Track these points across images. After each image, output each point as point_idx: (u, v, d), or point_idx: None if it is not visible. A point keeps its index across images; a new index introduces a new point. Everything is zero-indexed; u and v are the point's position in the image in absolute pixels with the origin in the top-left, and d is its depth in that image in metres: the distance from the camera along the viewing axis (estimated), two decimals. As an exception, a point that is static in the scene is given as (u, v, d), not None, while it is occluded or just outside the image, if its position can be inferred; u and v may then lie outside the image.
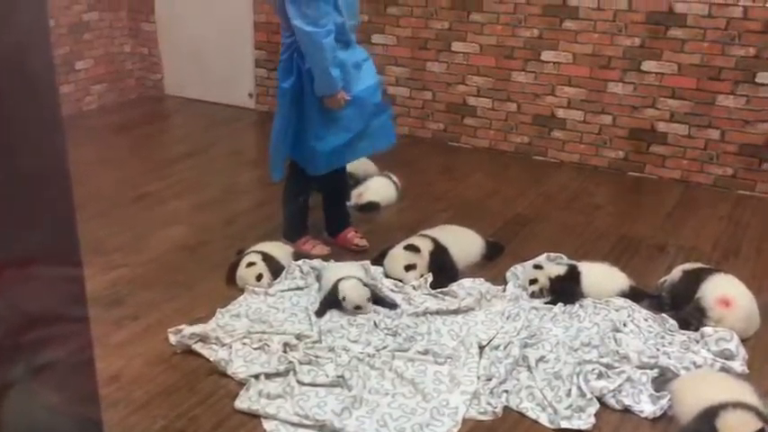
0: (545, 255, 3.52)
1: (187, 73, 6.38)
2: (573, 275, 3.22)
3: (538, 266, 3.28)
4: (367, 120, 3.39)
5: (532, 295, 3.20)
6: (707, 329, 2.86)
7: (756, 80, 4.23)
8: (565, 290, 3.18)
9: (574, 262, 3.34)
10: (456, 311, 3.07)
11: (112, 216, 4.03)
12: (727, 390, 2.36)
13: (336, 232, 3.73)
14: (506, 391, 2.59)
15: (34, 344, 1.45)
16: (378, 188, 4.26)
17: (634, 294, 3.18)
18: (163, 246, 3.68)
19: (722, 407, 2.24)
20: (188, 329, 2.82)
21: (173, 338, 2.82)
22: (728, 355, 2.74)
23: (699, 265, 3.23)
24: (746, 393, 2.36)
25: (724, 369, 2.67)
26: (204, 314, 3.02)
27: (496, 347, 2.83)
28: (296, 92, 3.26)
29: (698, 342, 2.84)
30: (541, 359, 2.76)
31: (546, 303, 3.16)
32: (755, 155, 4.36)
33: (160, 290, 3.25)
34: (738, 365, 2.70)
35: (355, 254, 3.57)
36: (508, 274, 3.40)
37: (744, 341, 2.85)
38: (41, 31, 1.35)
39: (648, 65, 4.50)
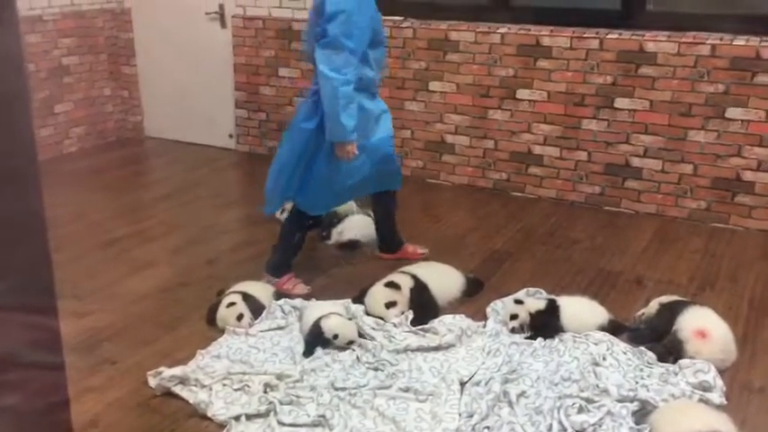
0: (524, 290, 3.55)
1: (167, 115, 6.43)
2: (552, 310, 3.25)
3: (518, 301, 3.31)
4: (375, 166, 3.58)
5: (513, 330, 3.22)
6: (684, 361, 2.89)
7: (726, 115, 4.34)
8: (545, 324, 3.21)
9: (553, 296, 3.37)
10: (437, 348, 3.08)
11: (91, 259, 4.01)
12: (705, 420, 2.38)
13: (395, 249, 3.99)
14: (488, 428, 2.59)
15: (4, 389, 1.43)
16: (358, 226, 4.28)
17: (613, 328, 3.20)
18: (142, 288, 3.67)
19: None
20: (167, 372, 2.81)
21: (152, 381, 2.80)
22: (706, 387, 2.76)
23: (675, 297, 3.27)
24: (723, 423, 2.38)
25: (702, 400, 2.69)
26: (184, 356, 3.00)
27: (477, 383, 2.84)
28: (316, 133, 3.40)
29: (676, 374, 2.86)
30: (522, 394, 2.77)
31: (526, 338, 3.18)
32: (728, 188, 4.45)
33: (139, 333, 3.23)
34: (716, 396, 2.72)
35: (336, 293, 3.57)
36: (488, 310, 3.42)
37: (721, 372, 2.88)
38: (18, 78, 1.38)
39: (622, 102, 4.61)
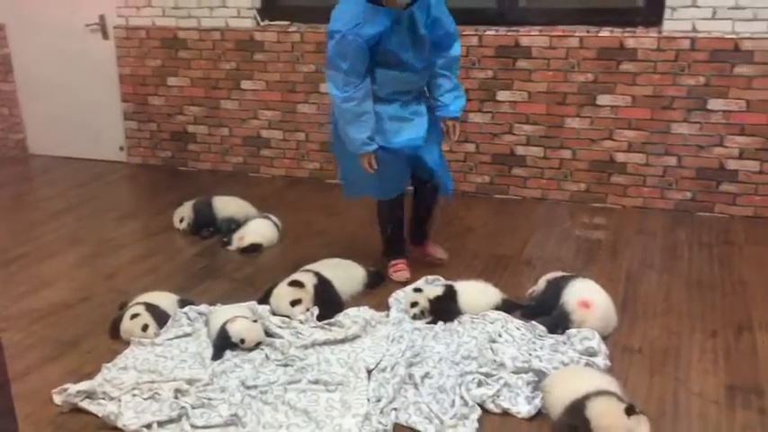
0: (423, 278, 3.71)
1: (52, 131, 6.24)
2: (450, 295, 3.42)
3: (417, 290, 3.47)
4: (407, 164, 3.66)
5: (414, 317, 3.37)
6: (572, 331, 3.13)
7: (597, 102, 4.67)
8: (444, 309, 3.38)
9: (450, 282, 3.54)
10: (343, 340, 3.19)
11: (-17, 282, 3.88)
12: (591, 382, 2.60)
13: (417, 242, 4.02)
14: (395, 409, 2.72)
15: None
16: (259, 230, 4.33)
17: (506, 306, 3.41)
18: (43, 306, 3.59)
19: (587, 397, 2.47)
20: (73, 387, 2.78)
21: (57, 398, 2.76)
22: (592, 352, 3.00)
23: (560, 273, 3.51)
24: (608, 383, 2.61)
25: (589, 365, 2.92)
26: (90, 371, 2.97)
27: (383, 370, 2.96)
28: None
29: (565, 343, 3.09)
30: (426, 375, 2.92)
31: (427, 323, 3.34)
32: (603, 170, 4.78)
33: (41, 351, 3.16)
34: (601, 360, 2.97)
35: (241, 296, 3.61)
36: (390, 300, 3.56)
37: (604, 338, 3.13)
38: None
39: (503, 95, 4.86)
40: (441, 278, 3.71)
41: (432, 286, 3.54)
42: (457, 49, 3.59)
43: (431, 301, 3.40)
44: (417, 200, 3.95)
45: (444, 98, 3.60)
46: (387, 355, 3.07)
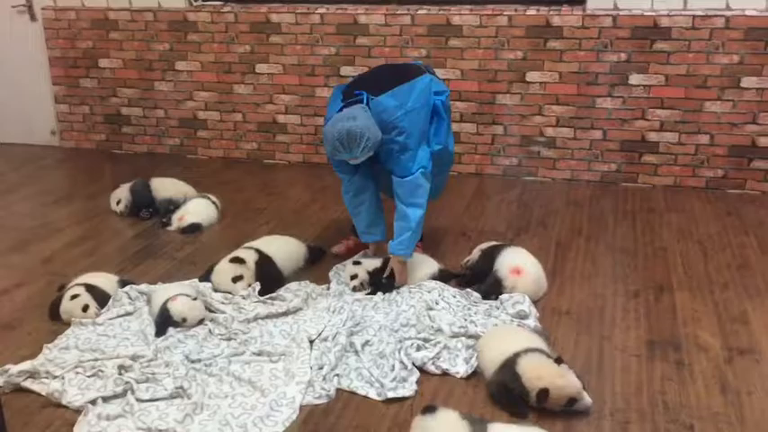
0: (362, 252, 3.81)
1: (-21, 115, 6.06)
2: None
3: (357, 263, 3.56)
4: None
5: (354, 289, 3.47)
6: (504, 296, 3.29)
7: (527, 79, 4.83)
8: (382, 280, 3.48)
9: (388, 255, 3.65)
10: (285, 313, 3.27)
11: None
12: (518, 341, 2.75)
13: None
14: (338, 375, 2.82)
15: None
16: (198, 209, 4.35)
17: (443, 276, 3.54)
18: (-25, 293, 3.54)
19: (517, 355, 2.63)
20: (15, 368, 2.78)
21: (-1, 380, 2.76)
22: (523, 315, 3.16)
23: (493, 242, 3.66)
24: (535, 341, 2.77)
25: (520, 326, 3.08)
26: (30, 353, 2.97)
27: (325, 339, 3.06)
28: None
29: (498, 308, 3.24)
30: (366, 343, 3.02)
31: (367, 295, 3.44)
32: (532, 144, 4.96)
33: (-22, 336, 3.14)
34: (531, 322, 3.12)
35: (183, 275, 3.64)
36: (331, 274, 3.65)
37: (535, 302, 3.30)
38: None
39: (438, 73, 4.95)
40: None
41: (370, 259, 3.64)
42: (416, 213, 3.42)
43: (370, 273, 3.50)
44: None
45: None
46: (328, 326, 3.16)
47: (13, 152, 5.87)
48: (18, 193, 4.97)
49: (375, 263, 3.55)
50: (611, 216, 4.38)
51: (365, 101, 3.27)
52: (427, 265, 3.60)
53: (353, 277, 3.50)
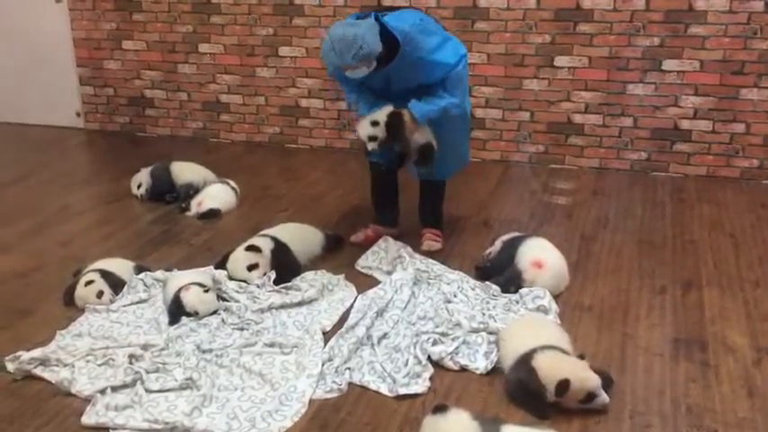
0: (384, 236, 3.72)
1: (5, 97, 6.09)
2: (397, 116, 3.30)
3: (374, 123, 3.30)
4: None
5: (371, 148, 3.32)
6: (524, 290, 3.19)
7: (555, 64, 4.68)
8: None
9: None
10: (300, 303, 3.21)
11: (-66, 252, 3.82)
12: (540, 335, 2.66)
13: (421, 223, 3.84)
14: (350, 369, 2.76)
15: None
16: (217, 195, 4.31)
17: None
18: (-6, 275, 3.55)
19: (534, 350, 2.54)
20: (26, 355, 2.76)
21: (10, 366, 2.75)
22: (543, 311, 3.06)
23: (515, 233, 3.56)
24: (557, 339, 2.67)
25: (545, 319, 2.98)
26: (44, 339, 2.95)
27: (345, 330, 2.98)
28: None
29: (517, 302, 3.15)
30: (384, 336, 2.96)
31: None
32: (561, 131, 4.82)
33: (-6, 320, 3.14)
34: (552, 318, 3.03)
35: (199, 261, 3.61)
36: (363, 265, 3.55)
37: (556, 296, 3.20)
38: None
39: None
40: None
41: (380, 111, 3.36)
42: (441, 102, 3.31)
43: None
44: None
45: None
46: (353, 314, 3.09)
47: (37, 133, 5.90)
48: (41, 175, 4.98)
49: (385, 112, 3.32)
50: (639, 207, 4.25)
51: (374, 17, 3.18)
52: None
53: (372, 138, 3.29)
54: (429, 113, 3.31)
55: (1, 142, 5.84)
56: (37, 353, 2.79)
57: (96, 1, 5.59)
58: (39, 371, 2.74)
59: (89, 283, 3.23)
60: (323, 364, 2.76)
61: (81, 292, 3.22)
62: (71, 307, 3.22)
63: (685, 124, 4.59)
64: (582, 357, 2.56)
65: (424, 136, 3.41)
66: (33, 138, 5.81)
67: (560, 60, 4.68)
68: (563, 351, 2.59)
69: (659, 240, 3.80)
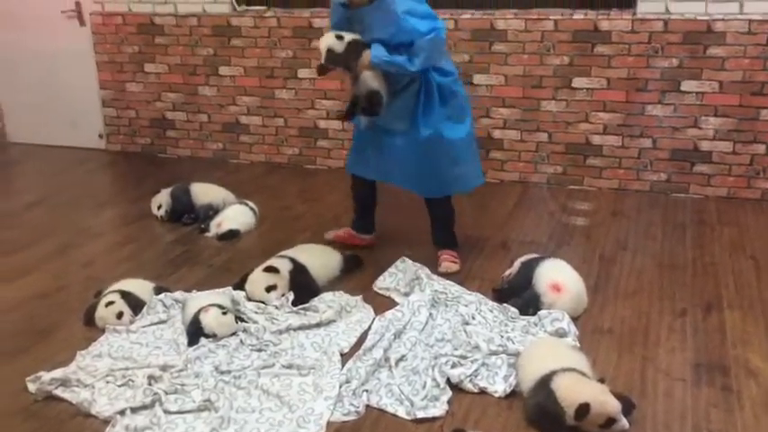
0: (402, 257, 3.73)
1: (31, 118, 6.21)
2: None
3: (339, 37, 3.39)
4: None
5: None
6: (542, 312, 3.17)
7: (572, 85, 4.69)
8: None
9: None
10: (318, 325, 3.22)
11: (-41, 272, 3.88)
12: (559, 358, 2.64)
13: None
14: (367, 391, 2.76)
15: None
16: (236, 216, 4.34)
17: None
18: (17, 296, 3.59)
19: (554, 372, 2.52)
20: (47, 375, 2.79)
21: (32, 387, 2.78)
22: (562, 333, 3.05)
23: (533, 255, 3.54)
24: (576, 362, 2.65)
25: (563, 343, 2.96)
26: (64, 359, 2.98)
27: (369, 350, 2.99)
28: None
29: (536, 325, 3.13)
30: (402, 358, 2.95)
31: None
32: (579, 152, 4.81)
33: (16, 341, 3.17)
34: (571, 341, 3.01)
35: (218, 282, 3.63)
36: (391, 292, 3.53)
37: (575, 318, 3.18)
38: None
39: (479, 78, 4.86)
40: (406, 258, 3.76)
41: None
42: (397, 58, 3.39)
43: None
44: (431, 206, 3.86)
45: None
46: (370, 335, 3.09)
47: (61, 155, 5.99)
48: (63, 196, 5.05)
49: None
50: (659, 228, 4.21)
51: None
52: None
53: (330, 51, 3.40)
54: (382, 58, 3.40)
55: (25, 163, 5.94)
56: (57, 373, 2.82)
57: (119, 25, 5.69)
58: (59, 391, 2.77)
59: (109, 303, 3.27)
60: (340, 387, 2.76)
61: (101, 312, 3.25)
62: (91, 327, 3.25)
63: (705, 145, 4.56)
64: (602, 381, 2.54)
65: (374, 81, 3.46)
66: (57, 159, 5.89)
67: (578, 82, 4.68)
68: (583, 374, 2.56)
69: (679, 262, 3.77)
